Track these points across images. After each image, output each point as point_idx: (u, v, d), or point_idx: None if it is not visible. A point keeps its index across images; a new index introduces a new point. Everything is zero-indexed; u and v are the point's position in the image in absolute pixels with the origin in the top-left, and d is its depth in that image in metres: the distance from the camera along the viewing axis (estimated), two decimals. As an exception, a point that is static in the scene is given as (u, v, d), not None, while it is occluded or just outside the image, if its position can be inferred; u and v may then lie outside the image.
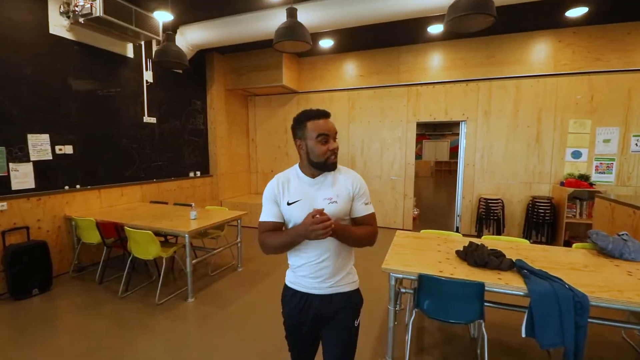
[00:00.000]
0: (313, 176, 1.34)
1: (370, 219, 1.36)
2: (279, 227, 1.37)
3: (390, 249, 2.40)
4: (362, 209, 1.35)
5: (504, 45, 5.07)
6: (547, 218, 4.77)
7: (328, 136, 1.29)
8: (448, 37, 5.20)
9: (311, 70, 6.24)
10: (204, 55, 5.83)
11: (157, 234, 3.02)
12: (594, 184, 4.63)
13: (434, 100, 5.54)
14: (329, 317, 1.35)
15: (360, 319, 1.42)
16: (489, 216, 5.03)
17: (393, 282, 2.06)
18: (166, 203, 4.46)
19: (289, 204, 1.32)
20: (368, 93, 5.92)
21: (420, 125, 6.81)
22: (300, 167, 1.40)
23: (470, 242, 2.30)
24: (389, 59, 5.70)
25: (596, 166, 4.87)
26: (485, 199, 5.09)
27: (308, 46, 3.10)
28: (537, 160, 5.10)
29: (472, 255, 2.09)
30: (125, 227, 3.04)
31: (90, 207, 3.98)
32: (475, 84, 5.29)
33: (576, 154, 4.94)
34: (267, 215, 1.36)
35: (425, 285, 1.94)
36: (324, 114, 1.34)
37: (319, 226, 1.14)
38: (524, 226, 5.18)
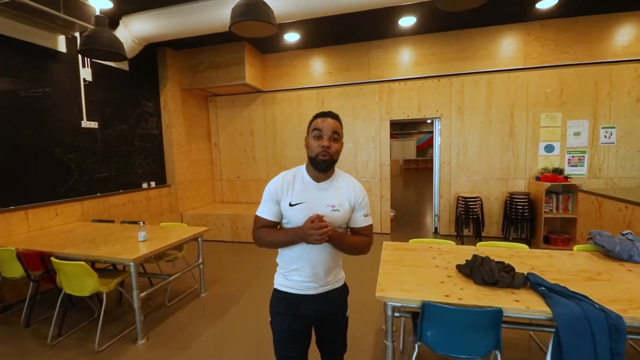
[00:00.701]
0: (318, 180, 1.34)
1: (368, 231, 1.41)
2: (274, 225, 1.38)
3: (381, 268, 2.04)
4: (361, 220, 1.39)
5: (475, 39, 4.94)
6: (525, 214, 4.68)
7: (321, 132, 1.29)
8: (419, 30, 4.99)
9: (277, 67, 5.80)
10: (154, 51, 5.20)
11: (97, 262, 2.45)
12: (569, 178, 4.60)
13: (406, 97, 5.31)
14: (322, 313, 1.39)
15: (348, 310, 1.51)
16: (468, 215, 4.87)
17: (390, 313, 1.69)
18: (112, 221, 3.81)
19: (291, 205, 1.31)
20: (338, 91, 5.59)
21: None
22: (307, 168, 1.38)
23: (475, 256, 1.98)
24: (358, 54, 5.39)
25: (568, 159, 4.86)
26: (463, 197, 4.92)
27: (274, 30, 2.67)
28: (512, 156, 5.02)
29: (479, 272, 1.78)
30: (52, 258, 2.43)
31: (14, 232, 3.27)
32: (448, 79, 5.13)
33: (549, 148, 4.90)
34: (265, 212, 1.36)
35: (430, 315, 1.59)
36: (328, 114, 1.35)
37: (317, 232, 1.18)
38: (502, 224, 5.07)
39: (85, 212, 4.02)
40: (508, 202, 4.86)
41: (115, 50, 2.79)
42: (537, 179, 4.77)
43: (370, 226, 1.41)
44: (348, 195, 1.35)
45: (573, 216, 4.50)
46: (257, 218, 1.39)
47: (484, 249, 2.36)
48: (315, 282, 1.36)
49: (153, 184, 5.10)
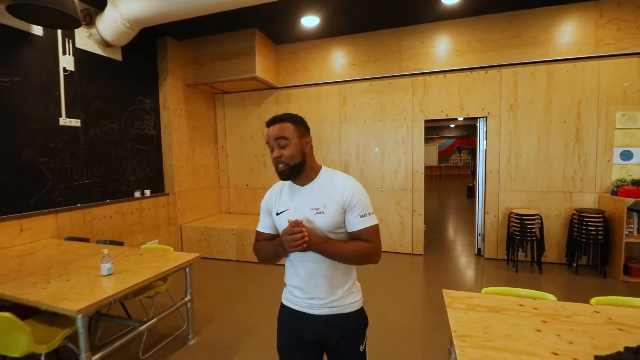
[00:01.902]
0: (303, 184, 1.24)
1: (367, 234, 1.19)
2: (273, 238, 1.27)
3: (457, 349, 1.20)
4: (356, 222, 1.19)
5: (533, 22, 4.06)
6: (599, 237, 3.74)
7: (269, 143, 1.20)
8: (462, 12, 4.16)
9: (292, 60, 5.06)
10: (154, 41, 4.55)
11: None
12: (660, 193, 3.63)
13: (445, 92, 4.47)
14: (328, 342, 1.23)
15: (366, 343, 1.28)
16: (525, 236, 3.96)
17: None
18: (87, 240, 3.11)
19: (277, 214, 1.25)
20: (363, 86, 4.79)
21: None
22: None
23: (627, 348, 1.12)
24: (388, 43, 4.59)
25: (652, 169, 3.90)
26: (518, 214, 4.01)
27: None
28: (578, 164, 4.09)
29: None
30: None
31: (-39, 254, 2.60)
32: (497, 71, 4.26)
33: (626, 155, 3.95)
34: (261, 225, 1.34)
35: None
36: (272, 120, 1.21)
37: (289, 237, 1.09)
38: (566, 247, 4.13)
39: (60, 227, 3.34)
40: (575, 221, 3.92)
41: (57, 7, 2.05)
42: (614, 193, 3.83)
43: (370, 228, 1.19)
44: (332, 195, 1.20)
45: (664, 241, 3.53)
46: (256, 233, 1.35)
47: (607, 310, 1.49)
48: (316, 299, 1.21)
49: (148, 192, 4.41)
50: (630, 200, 3.54)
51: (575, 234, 3.92)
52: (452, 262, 4.48)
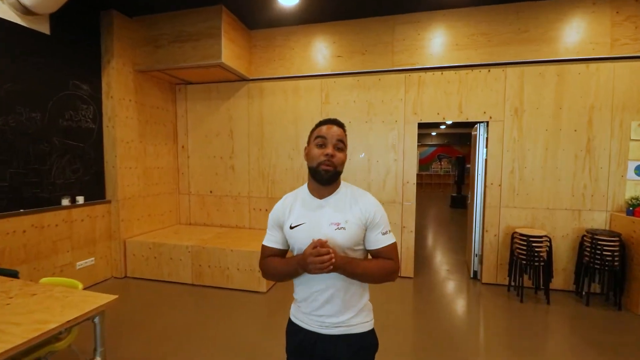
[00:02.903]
0: (321, 196, 1.18)
1: (389, 252, 1.16)
2: (281, 254, 1.24)
3: None
4: (378, 240, 1.16)
5: (542, 16, 3.57)
6: (615, 264, 3.25)
7: (325, 139, 1.14)
8: (463, 2, 3.62)
9: (267, 47, 4.36)
10: (97, 15, 3.72)
11: None
12: (686, 215, 3.19)
13: (442, 91, 3.90)
14: None
15: None
16: (532, 260, 3.42)
17: None
18: (-36, 270, 2.25)
19: (291, 227, 1.17)
20: (349, 81, 4.15)
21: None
22: (308, 184, 1.23)
23: None
24: (378, 32, 3.99)
25: (669, 187, 3.48)
26: (524, 235, 3.47)
27: None
28: (589, 179, 3.61)
29: None
30: None
31: None
32: (501, 69, 3.74)
33: (642, 170, 3.51)
34: (271, 240, 1.24)
35: None
36: (332, 121, 1.19)
37: (316, 259, 1.02)
38: (575, 273, 3.63)
39: (-62, 248, 2.46)
40: (587, 244, 3.43)
41: None
42: (630, 212, 3.36)
43: (392, 246, 1.16)
44: (355, 211, 1.15)
45: (688, 270, 3.08)
46: (263, 247, 1.26)
47: None
48: (328, 317, 1.14)
49: (81, 199, 3.55)
50: (653, 223, 3.08)
51: (586, 258, 3.42)
52: (446, 288, 3.88)
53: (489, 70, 3.77)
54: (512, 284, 3.69)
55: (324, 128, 1.16)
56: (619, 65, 3.49)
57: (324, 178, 1.13)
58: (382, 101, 4.06)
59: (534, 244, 3.41)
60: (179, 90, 4.79)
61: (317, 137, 1.15)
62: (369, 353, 1.20)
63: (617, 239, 3.26)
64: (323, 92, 4.24)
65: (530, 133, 3.71)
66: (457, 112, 3.88)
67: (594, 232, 3.38)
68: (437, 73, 3.90)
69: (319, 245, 1.04)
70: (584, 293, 3.54)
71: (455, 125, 12.36)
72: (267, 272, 1.23)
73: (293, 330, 1.24)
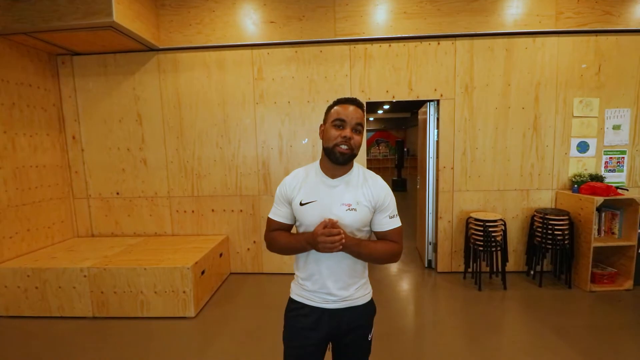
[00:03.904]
0: (333, 176, 1.18)
1: (394, 235, 1.20)
2: (287, 228, 1.26)
3: None
4: (385, 223, 1.19)
5: (491, -16, 3.31)
6: (565, 242, 3.21)
7: (344, 122, 1.12)
8: (412, -38, 3.18)
9: (181, 8, 3.46)
10: None
11: None
12: (626, 188, 3.24)
13: (391, 66, 3.48)
14: (339, 333, 1.21)
15: (373, 331, 1.28)
16: (489, 245, 3.23)
17: None
18: None
19: (301, 204, 1.17)
20: (286, 53, 3.50)
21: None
22: (321, 162, 1.22)
23: None
24: (317, -5, 3.38)
25: (605, 162, 3.55)
26: (480, 220, 3.27)
27: None
28: (536, 157, 3.54)
29: None
30: None
31: None
32: (451, 42, 3.43)
33: (582, 147, 3.53)
34: (277, 214, 1.24)
35: None
36: (352, 101, 1.15)
37: (328, 239, 1.04)
38: (527, 254, 3.57)
39: None
40: (538, 224, 3.35)
41: None
42: (575, 190, 3.35)
43: (398, 229, 1.20)
44: (366, 193, 1.17)
45: (627, 243, 3.15)
46: (269, 220, 1.26)
47: None
48: (333, 294, 1.17)
49: None
50: (599, 199, 3.05)
51: (538, 239, 3.35)
52: (400, 279, 3.58)
53: (439, 43, 3.43)
54: (469, 270, 3.52)
55: (341, 108, 1.14)
56: (562, 40, 3.40)
57: (340, 160, 1.12)
58: (326, 77, 3.50)
59: (490, 229, 3.22)
60: (62, 64, 3.65)
61: (336, 119, 1.13)
62: (369, 321, 1.26)
63: (566, 217, 3.21)
64: (255, 65, 3.52)
65: (480, 111, 3.50)
66: (407, 90, 3.50)
67: (544, 212, 3.31)
68: (385, 45, 3.45)
69: (330, 226, 1.06)
70: (532, 272, 3.51)
71: (393, 109, 12.45)
72: (273, 245, 1.23)
73: (296, 307, 1.24)
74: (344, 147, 1.10)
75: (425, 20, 3.36)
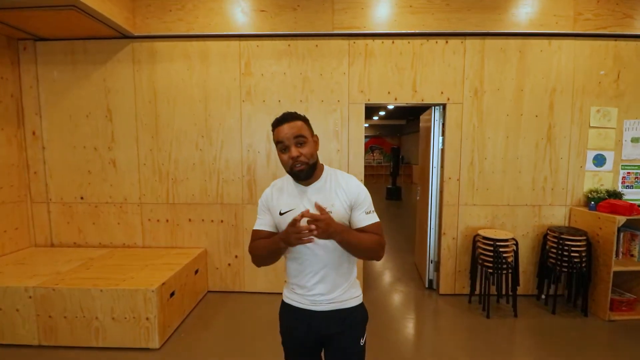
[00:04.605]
0: (307, 183, 1.21)
1: (375, 228, 1.20)
2: (272, 236, 1.22)
3: None
4: (363, 219, 1.19)
5: (505, -21, 3.02)
6: (583, 266, 2.89)
7: (284, 143, 1.13)
8: (420, -50, 2.87)
9: (159, -8, 3.08)
10: None
11: None
12: (650, 208, 2.94)
13: (394, 65, 3.14)
14: (330, 336, 1.22)
15: (366, 336, 1.27)
16: (499, 267, 2.89)
17: None
18: None
19: (281, 214, 1.21)
20: (277, 46, 3.14)
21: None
22: None
23: None
24: (314, -17, 3.04)
25: (623, 177, 3.26)
26: (489, 239, 2.93)
27: None
28: (549, 170, 3.23)
29: None
30: None
31: None
32: (460, 41, 3.12)
33: (599, 160, 3.24)
34: (259, 223, 1.27)
35: None
36: (282, 119, 1.15)
37: (293, 229, 1.03)
38: (537, 276, 3.24)
39: None
40: (552, 244, 3.02)
41: None
42: (592, 207, 3.04)
43: (377, 224, 1.20)
44: (339, 193, 1.20)
45: (649, 267, 2.84)
46: (253, 232, 1.28)
47: None
48: (321, 295, 1.20)
49: None
50: (621, 219, 2.75)
51: (552, 260, 3.02)
52: (398, 302, 3.21)
53: (447, 42, 3.11)
54: (475, 293, 3.17)
55: (277, 131, 1.15)
56: (580, 44, 3.11)
57: (302, 177, 1.15)
58: (321, 75, 3.14)
59: (501, 249, 2.88)
60: (23, 49, 3.22)
61: (277, 143, 1.15)
62: (360, 324, 1.26)
63: (584, 237, 2.90)
64: (242, 59, 3.15)
65: (490, 118, 3.18)
66: (411, 92, 3.16)
67: (559, 231, 2.99)
68: (388, 41, 3.11)
69: (303, 216, 1.04)
70: (543, 297, 3.19)
71: (389, 116, 12.19)
72: (255, 254, 1.23)
73: (286, 311, 1.27)
74: (298, 166, 1.12)
75: (433, 16, 3.04)
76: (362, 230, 1.18)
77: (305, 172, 1.14)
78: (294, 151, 1.11)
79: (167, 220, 3.29)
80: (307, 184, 1.20)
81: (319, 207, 1.07)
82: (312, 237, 1.03)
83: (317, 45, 3.11)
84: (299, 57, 3.13)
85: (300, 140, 1.12)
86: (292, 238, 1.04)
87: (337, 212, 1.16)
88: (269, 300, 3.14)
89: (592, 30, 3.06)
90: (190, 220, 3.28)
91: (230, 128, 3.19)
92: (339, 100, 3.16)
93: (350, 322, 1.22)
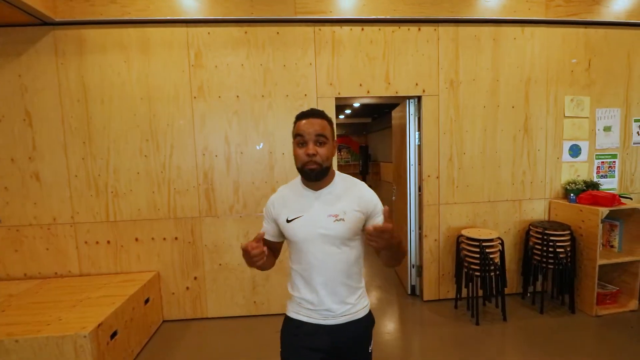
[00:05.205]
0: (316, 188, 1.16)
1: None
2: (275, 246, 1.27)
3: None
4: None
5: (477, -39, 2.84)
6: (568, 261, 2.78)
7: (303, 137, 1.09)
8: None
9: (84, -31, 2.56)
10: None
11: None
12: (630, 197, 2.88)
13: (364, 55, 2.86)
14: (340, 349, 1.16)
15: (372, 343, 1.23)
16: (486, 268, 2.69)
17: None
18: None
19: (288, 221, 1.15)
20: (232, 34, 2.73)
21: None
22: (302, 178, 1.19)
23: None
24: (272, -38, 2.67)
25: (597, 167, 3.22)
26: (475, 239, 2.72)
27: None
28: (527, 163, 3.11)
29: None
30: None
31: None
32: (433, 28, 2.89)
33: (575, 150, 3.17)
34: (263, 231, 1.22)
35: None
36: (311, 113, 1.12)
37: (245, 255, 1.04)
38: (522, 274, 3.10)
39: None
40: (537, 240, 2.89)
41: None
42: (573, 200, 2.95)
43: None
44: (351, 201, 1.13)
45: (631, 258, 2.78)
46: None
47: None
48: (329, 309, 1.14)
49: None
50: (604, 211, 2.65)
51: (537, 257, 2.88)
52: (381, 312, 2.94)
53: (419, 29, 2.88)
54: (461, 296, 2.97)
55: (300, 123, 1.11)
56: (552, 32, 3.01)
57: (312, 177, 1.11)
58: (285, 66, 2.78)
59: (486, 249, 2.69)
60: None
61: (296, 135, 1.11)
62: (369, 333, 1.21)
63: (568, 232, 2.78)
64: (192, 49, 2.71)
65: (467, 110, 2.99)
66: (385, 84, 2.89)
67: (542, 226, 2.86)
68: (357, 28, 2.82)
69: (387, 214, 0.98)
70: (528, 294, 3.07)
71: (354, 114, 12.05)
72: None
73: (293, 326, 1.19)
74: (310, 165, 1.08)
75: (404, 0, 2.79)
76: None
77: (316, 173, 1.09)
78: (312, 148, 1.07)
79: (109, 242, 2.77)
80: (317, 189, 1.15)
81: (387, 214, 0.96)
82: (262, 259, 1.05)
83: (278, 33, 2.75)
84: (258, 46, 2.74)
85: (320, 140, 1.08)
86: (247, 263, 1.06)
87: (349, 220, 1.11)
88: (238, 326, 2.73)
89: (563, 16, 2.96)
90: (137, 239, 2.78)
91: (180, 129, 2.74)
92: (306, 95, 2.82)
93: (361, 331, 1.19)
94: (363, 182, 1.21)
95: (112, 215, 2.75)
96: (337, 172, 1.21)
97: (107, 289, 2.49)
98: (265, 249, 1.04)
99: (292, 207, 1.16)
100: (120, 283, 2.59)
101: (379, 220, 1.12)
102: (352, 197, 1.14)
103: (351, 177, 1.22)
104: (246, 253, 1.03)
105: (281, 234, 1.22)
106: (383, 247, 0.97)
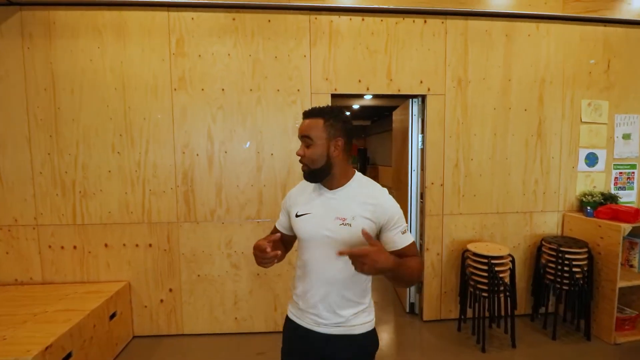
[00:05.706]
0: (331, 187, 1.10)
1: (413, 249, 1.08)
2: (288, 239, 1.25)
3: None
4: (398, 240, 1.06)
5: (490, -51, 2.59)
6: (585, 282, 2.50)
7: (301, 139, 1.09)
8: None
9: (56, -56, 2.31)
10: None
11: None
12: (654, 213, 2.61)
13: (364, 48, 2.60)
14: None
15: None
16: (495, 287, 2.41)
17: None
18: None
19: (297, 215, 1.13)
20: (218, 20, 2.47)
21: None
22: None
23: None
24: (265, -58, 2.42)
25: (615, 177, 2.95)
26: (483, 256, 2.45)
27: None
28: (540, 172, 2.84)
29: None
30: None
31: None
32: (441, 21, 2.64)
33: (591, 159, 2.90)
34: (278, 222, 1.26)
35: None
36: (305, 113, 1.10)
37: (257, 252, 1.01)
38: (532, 295, 2.82)
39: None
40: (551, 257, 2.61)
41: None
42: (590, 214, 2.68)
43: (414, 244, 1.08)
44: (365, 208, 1.05)
45: (655, 280, 2.51)
46: (273, 228, 1.29)
47: None
48: (319, 315, 1.09)
49: None
50: (627, 227, 2.39)
51: (550, 277, 2.61)
52: (379, 333, 2.65)
53: (425, 21, 2.62)
54: (465, 316, 2.69)
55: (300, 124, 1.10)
56: (570, 29, 2.76)
57: (306, 179, 1.11)
58: (276, 57, 2.52)
59: (495, 267, 2.42)
60: None
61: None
62: (370, 352, 1.14)
63: (585, 250, 2.51)
64: (173, 35, 2.44)
65: (476, 112, 2.73)
66: (386, 81, 2.63)
67: (557, 242, 2.58)
68: (357, 18, 2.56)
69: (373, 243, 0.93)
70: (538, 316, 2.79)
71: (353, 116, 11.79)
72: None
73: (290, 327, 1.18)
74: (303, 167, 1.09)
75: (409, -10, 2.54)
76: (399, 253, 1.05)
77: (307, 174, 1.09)
78: (300, 149, 1.07)
79: (75, 247, 2.49)
80: (331, 188, 1.10)
81: (367, 236, 0.93)
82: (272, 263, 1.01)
83: (269, 21, 2.49)
84: (247, 35, 2.48)
85: (306, 142, 1.06)
86: (256, 261, 1.02)
87: (356, 226, 1.03)
88: (216, 345, 2.45)
89: (581, 12, 2.71)
90: (106, 245, 2.50)
91: (158, 124, 2.47)
92: (299, 90, 2.55)
93: (359, 349, 1.11)
94: (384, 190, 1.11)
95: (79, 217, 2.47)
96: (357, 174, 1.14)
97: (68, 301, 2.21)
98: (279, 253, 1.00)
99: (305, 202, 1.13)
100: (84, 295, 2.30)
101: (392, 234, 1.05)
102: (365, 204, 1.06)
103: (372, 182, 1.13)
104: (261, 252, 0.98)
105: (291, 227, 1.19)
106: (368, 273, 0.91)
